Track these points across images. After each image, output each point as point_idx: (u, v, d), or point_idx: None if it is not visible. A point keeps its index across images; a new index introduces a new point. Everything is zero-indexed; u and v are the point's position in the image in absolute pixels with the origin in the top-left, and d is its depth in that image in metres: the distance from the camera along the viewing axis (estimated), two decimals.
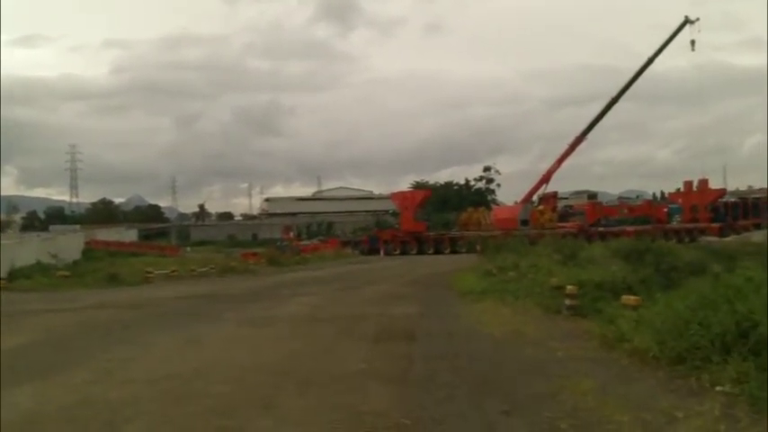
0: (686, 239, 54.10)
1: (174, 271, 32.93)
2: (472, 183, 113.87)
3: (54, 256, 34.26)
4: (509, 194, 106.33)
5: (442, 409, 7.14)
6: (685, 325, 8.96)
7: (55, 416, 7.24)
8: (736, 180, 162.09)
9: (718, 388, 7.47)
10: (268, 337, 12.83)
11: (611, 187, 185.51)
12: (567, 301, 14.53)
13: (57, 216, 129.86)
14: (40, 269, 30.77)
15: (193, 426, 6.78)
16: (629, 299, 12.17)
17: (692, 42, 64.24)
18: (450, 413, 7.02)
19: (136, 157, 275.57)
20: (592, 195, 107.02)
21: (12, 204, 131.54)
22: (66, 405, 7.64)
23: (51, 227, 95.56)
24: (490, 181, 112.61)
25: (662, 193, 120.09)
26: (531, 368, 9.24)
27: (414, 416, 6.91)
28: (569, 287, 14.82)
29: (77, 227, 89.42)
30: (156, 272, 31.61)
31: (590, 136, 67.75)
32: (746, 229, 60.75)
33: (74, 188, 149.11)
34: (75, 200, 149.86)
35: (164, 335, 13.30)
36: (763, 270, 10.48)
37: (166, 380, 8.96)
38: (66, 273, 29.81)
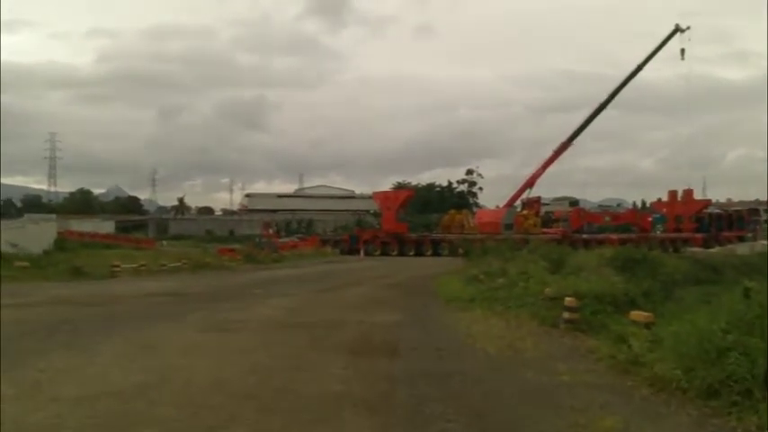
0: (670, 249, 53.15)
1: (143, 265, 31.28)
2: (455, 185, 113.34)
3: (14, 246, 32.41)
4: (491, 198, 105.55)
5: None
6: (717, 351, 7.64)
7: None
8: (716, 192, 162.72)
9: None
10: (233, 346, 11.34)
11: (592, 195, 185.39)
12: (566, 314, 13.19)
13: (34, 204, 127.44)
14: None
15: None
16: (639, 315, 10.84)
17: (682, 51, 64.00)
18: None
19: (117, 147, 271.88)
20: (573, 202, 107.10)
21: None
22: None
23: (27, 215, 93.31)
24: (473, 184, 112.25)
25: (642, 203, 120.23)
26: (536, 397, 7.85)
27: None
28: (568, 299, 13.49)
29: (53, 216, 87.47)
30: (124, 265, 29.97)
31: (575, 142, 67.24)
32: (730, 240, 60.30)
33: (52, 177, 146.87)
34: (53, 189, 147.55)
35: (114, 339, 11.76)
36: None
37: (104, 398, 7.50)
38: (26, 264, 28.08)
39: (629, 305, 13.51)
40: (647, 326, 10.21)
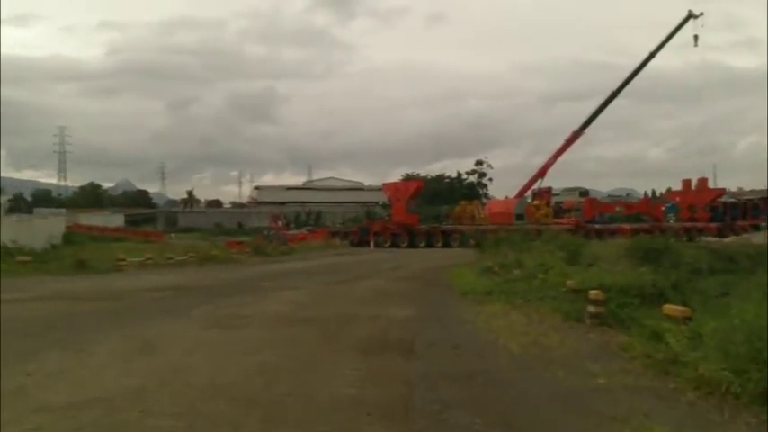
0: (684, 239, 52.20)
1: (149, 258, 30.63)
2: (464, 176, 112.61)
3: (14, 242, 31.66)
4: (501, 189, 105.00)
5: None
6: None
7: None
8: (727, 181, 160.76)
9: None
10: (238, 344, 10.59)
11: (601, 185, 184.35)
12: (591, 308, 12.41)
13: (44, 199, 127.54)
14: (3, 254, 28.28)
15: None
16: (674, 309, 10.06)
17: (695, 37, 62.80)
18: None
19: (127, 141, 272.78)
20: (583, 192, 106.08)
21: None
22: None
23: (36, 209, 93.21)
24: (482, 175, 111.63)
25: (653, 192, 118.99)
26: (571, 402, 7.09)
27: None
28: (593, 291, 12.67)
29: (63, 210, 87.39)
30: (130, 259, 29.33)
31: (586, 131, 66.44)
32: (745, 230, 59.36)
33: (62, 171, 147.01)
34: (63, 183, 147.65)
35: (112, 337, 11.06)
36: None
37: (94, 405, 6.79)
38: (27, 258, 27.42)
39: (657, 298, 12.79)
40: (684, 321, 9.44)
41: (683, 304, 10.70)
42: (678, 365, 8.11)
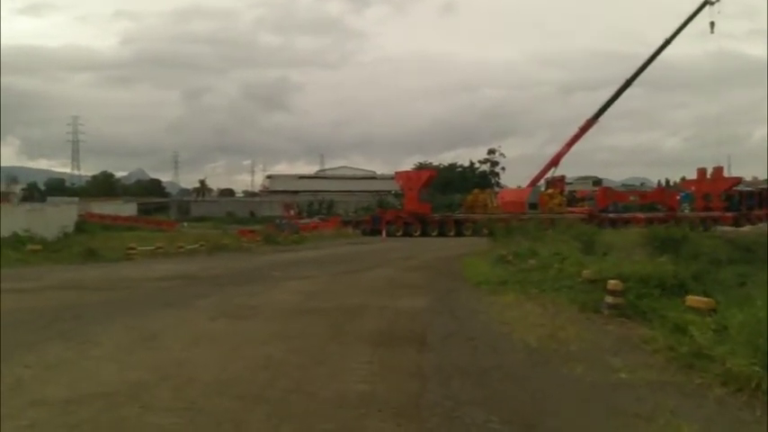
0: (699, 228, 51.56)
1: (159, 247, 30.43)
2: (476, 165, 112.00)
3: (26, 230, 31.51)
4: (514, 178, 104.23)
5: None
6: None
7: None
8: (742, 170, 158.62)
9: None
10: (244, 336, 10.27)
11: (615, 174, 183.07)
12: (609, 299, 12.01)
13: (57, 188, 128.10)
14: (14, 242, 28.21)
15: None
16: (698, 300, 9.68)
17: (712, 24, 62.00)
18: None
19: (140, 130, 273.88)
20: (597, 181, 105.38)
21: (11, 175, 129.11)
22: None
23: (50, 198, 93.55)
24: (495, 164, 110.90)
25: (667, 181, 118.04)
26: (592, 399, 6.71)
27: None
28: (611, 282, 12.27)
29: (76, 199, 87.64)
30: (141, 248, 29.13)
31: (599, 120, 65.87)
32: (760, 219, 58.97)
33: (75, 160, 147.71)
34: (76, 172, 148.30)
35: (116, 328, 10.75)
36: None
37: (91, 401, 6.46)
38: (38, 247, 27.28)
39: (678, 289, 12.38)
40: (709, 313, 9.05)
41: (705, 295, 10.31)
42: (704, 360, 7.72)
